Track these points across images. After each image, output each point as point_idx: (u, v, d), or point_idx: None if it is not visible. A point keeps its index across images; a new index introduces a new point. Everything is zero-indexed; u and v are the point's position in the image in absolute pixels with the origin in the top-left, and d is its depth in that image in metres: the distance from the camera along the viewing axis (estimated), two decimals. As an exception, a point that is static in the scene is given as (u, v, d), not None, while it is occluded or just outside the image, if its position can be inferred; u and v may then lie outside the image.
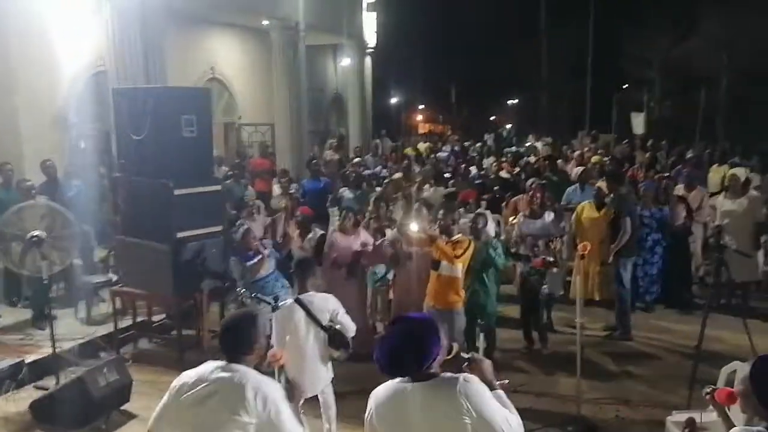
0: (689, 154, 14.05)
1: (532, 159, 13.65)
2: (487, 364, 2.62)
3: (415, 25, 32.40)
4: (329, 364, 4.68)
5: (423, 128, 42.17)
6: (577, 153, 13.84)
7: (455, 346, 2.63)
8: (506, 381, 2.70)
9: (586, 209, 7.57)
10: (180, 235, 6.48)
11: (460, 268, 5.81)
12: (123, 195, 7.26)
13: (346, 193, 9.56)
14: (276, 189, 10.23)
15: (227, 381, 2.73)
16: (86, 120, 10.51)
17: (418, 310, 5.86)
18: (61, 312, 7.25)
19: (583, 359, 5.36)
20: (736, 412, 2.78)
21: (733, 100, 25.01)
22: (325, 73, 20.77)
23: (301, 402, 4.66)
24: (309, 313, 4.49)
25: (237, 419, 2.66)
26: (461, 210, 7.96)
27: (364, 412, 2.57)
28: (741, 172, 8.69)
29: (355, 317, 4.89)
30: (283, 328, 4.43)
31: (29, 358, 6.21)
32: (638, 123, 20.61)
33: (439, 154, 16.22)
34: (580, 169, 9.94)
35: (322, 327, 4.51)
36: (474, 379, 2.40)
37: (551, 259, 6.73)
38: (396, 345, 2.46)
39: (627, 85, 31.14)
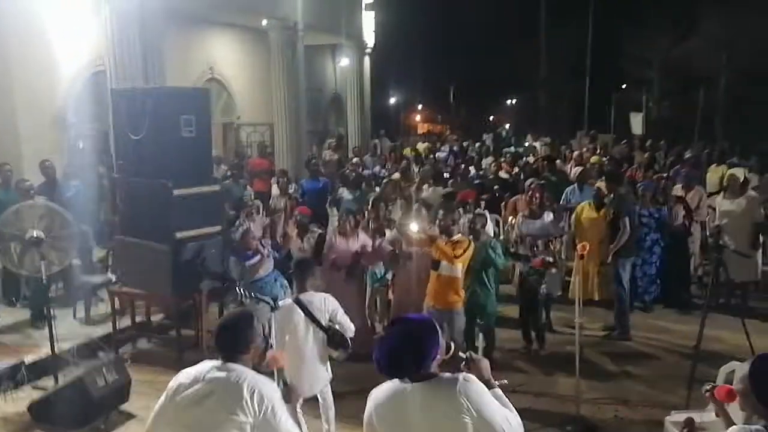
0: (687, 154, 14.08)
1: (531, 159, 13.66)
2: (485, 364, 2.62)
3: (413, 25, 32.44)
4: (328, 364, 4.68)
5: (422, 128, 42.23)
6: (575, 153, 13.85)
7: (452, 346, 2.64)
8: (505, 381, 2.70)
9: (586, 210, 7.58)
10: (179, 235, 6.47)
11: (460, 268, 5.81)
12: (122, 195, 7.26)
13: (345, 193, 9.55)
14: (275, 189, 10.23)
15: (224, 380, 2.73)
16: (85, 120, 10.51)
17: (418, 310, 5.86)
18: (60, 312, 7.22)
19: (582, 359, 5.37)
20: (734, 410, 2.79)
21: (732, 100, 25.04)
22: (324, 73, 20.77)
23: (300, 402, 4.67)
24: (308, 313, 4.49)
25: (234, 419, 2.66)
26: (460, 210, 7.96)
27: (363, 413, 2.57)
28: (739, 173, 8.70)
29: (354, 317, 4.89)
30: (282, 328, 4.43)
31: (28, 359, 6.20)
32: (637, 123, 20.66)
33: (437, 154, 16.23)
34: (579, 169, 9.95)
35: (321, 327, 4.52)
36: (474, 379, 2.41)
37: (550, 259, 6.73)
38: (395, 346, 2.47)
39: (626, 85, 31.20)
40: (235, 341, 2.85)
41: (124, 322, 7.12)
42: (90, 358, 6.29)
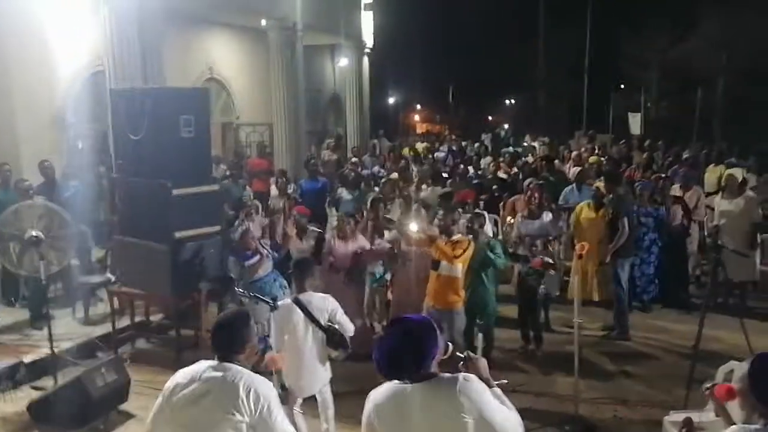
0: (686, 155, 14.10)
1: (530, 159, 13.67)
2: (483, 363, 2.62)
3: (412, 25, 32.49)
4: (327, 364, 4.68)
5: (420, 128, 42.27)
6: (574, 153, 13.87)
7: (450, 346, 2.64)
8: (505, 380, 2.71)
9: (585, 210, 7.60)
10: (178, 235, 6.47)
11: (459, 268, 5.81)
12: (121, 195, 7.25)
13: (344, 193, 9.55)
14: (274, 189, 10.23)
15: (220, 380, 2.74)
16: (84, 120, 10.51)
17: (418, 310, 5.86)
18: (59, 312, 7.25)
19: (581, 359, 5.37)
20: (733, 409, 2.80)
21: (731, 101, 25.09)
22: (323, 73, 20.77)
23: (300, 402, 4.67)
24: (307, 313, 4.49)
25: (230, 418, 2.67)
26: (460, 210, 7.97)
27: (362, 412, 2.57)
28: (738, 173, 8.72)
29: (353, 318, 4.90)
30: (281, 328, 4.43)
31: (27, 358, 6.20)
32: (635, 123, 20.69)
33: (436, 154, 16.24)
34: (578, 169, 9.96)
35: (321, 327, 4.52)
36: (474, 379, 2.41)
37: (550, 260, 6.74)
38: (395, 346, 2.47)
39: (624, 86, 31.24)
40: (231, 341, 2.86)
41: (123, 322, 7.12)
42: (89, 358, 6.31)
